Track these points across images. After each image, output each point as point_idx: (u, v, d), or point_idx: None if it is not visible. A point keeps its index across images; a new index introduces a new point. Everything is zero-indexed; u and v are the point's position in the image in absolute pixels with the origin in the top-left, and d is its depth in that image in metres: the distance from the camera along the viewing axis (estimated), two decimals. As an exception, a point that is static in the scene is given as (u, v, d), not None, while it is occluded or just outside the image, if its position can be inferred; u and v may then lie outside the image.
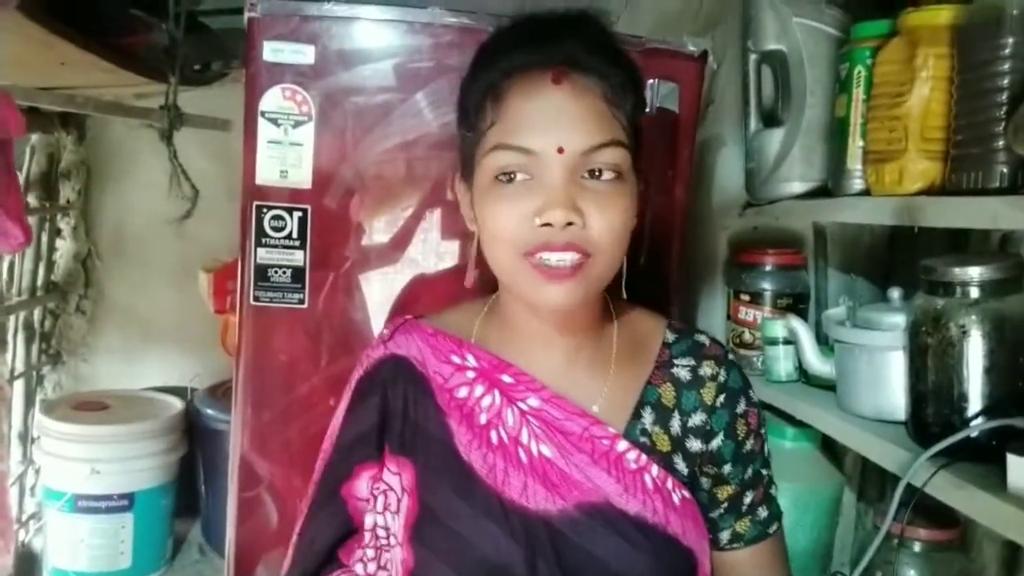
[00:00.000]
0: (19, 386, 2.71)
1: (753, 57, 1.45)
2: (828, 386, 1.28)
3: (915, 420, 1.07)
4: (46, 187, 2.74)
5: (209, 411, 2.30)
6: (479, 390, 0.87)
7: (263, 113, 1.21)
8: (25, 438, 2.69)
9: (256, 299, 1.24)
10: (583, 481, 0.83)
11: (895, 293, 1.18)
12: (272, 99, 1.20)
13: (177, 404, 2.41)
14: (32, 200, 2.67)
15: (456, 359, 0.89)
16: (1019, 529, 0.87)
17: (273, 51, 1.20)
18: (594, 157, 0.78)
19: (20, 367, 2.70)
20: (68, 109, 2.20)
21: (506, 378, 0.87)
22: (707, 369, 0.90)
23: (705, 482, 0.90)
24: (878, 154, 1.13)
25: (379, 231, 1.27)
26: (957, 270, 1.00)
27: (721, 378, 0.90)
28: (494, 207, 0.80)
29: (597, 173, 0.79)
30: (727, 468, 0.90)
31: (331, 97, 1.22)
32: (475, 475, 0.83)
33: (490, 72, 0.82)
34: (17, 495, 2.57)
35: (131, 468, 2.20)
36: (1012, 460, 0.89)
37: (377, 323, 1.27)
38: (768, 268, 1.50)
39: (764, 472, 0.93)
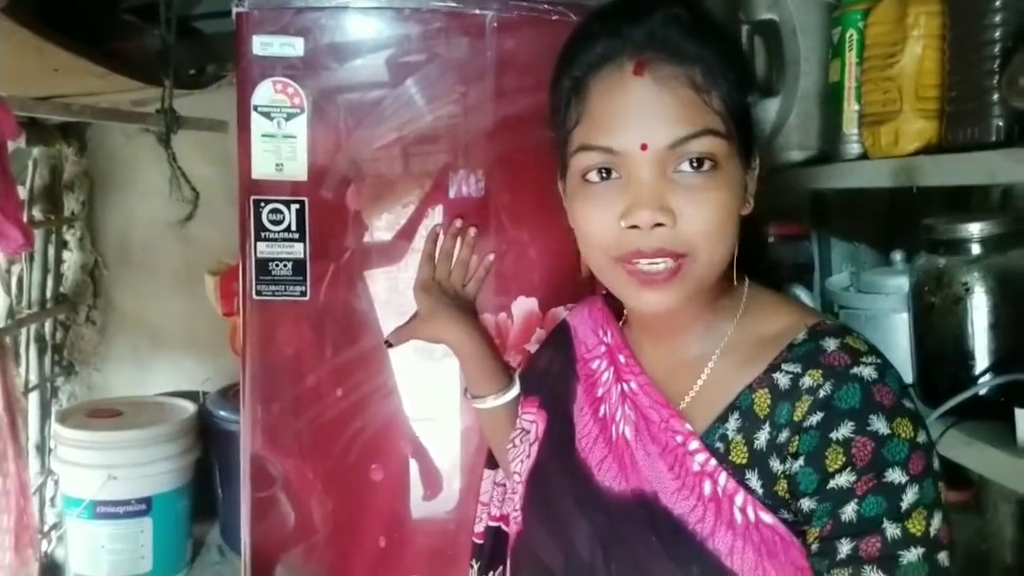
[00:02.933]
0: (34, 398, 2.73)
1: (745, 28, 1.45)
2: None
3: (923, 381, 1.07)
4: (51, 199, 2.76)
5: (222, 412, 2.31)
6: (603, 364, 0.92)
7: (255, 107, 1.21)
8: (42, 450, 2.71)
9: (259, 293, 1.24)
10: (646, 470, 0.81)
11: (897, 256, 1.18)
12: (264, 93, 1.20)
13: (190, 407, 2.43)
14: (37, 213, 2.69)
15: (600, 333, 0.94)
16: (1031, 483, 0.87)
17: (262, 45, 1.20)
18: (683, 150, 0.73)
19: (34, 379, 2.72)
20: (65, 117, 2.21)
21: (621, 358, 0.89)
22: (808, 379, 0.74)
23: (800, 518, 0.73)
24: (873, 116, 1.13)
25: (380, 228, 1.27)
26: (958, 227, 0.99)
27: (823, 393, 0.72)
28: (583, 208, 0.77)
29: (692, 165, 0.74)
30: (807, 503, 0.72)
31: (323, 89, 1.23)
32: (574, 435, 0.89)
33: (572, 67, 0.79)
34: (37, 506, 2.60)
35: (147, 472, 2.22)
36: (1021, 415, 0.89)
37: (383, 320, 1.27)
38: (770, 240, 1.49)
39: (886, 525, 0.68)
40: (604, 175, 0.76)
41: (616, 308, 0.95)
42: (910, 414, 0.72)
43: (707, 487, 0.77)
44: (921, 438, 0.72)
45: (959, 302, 0.99)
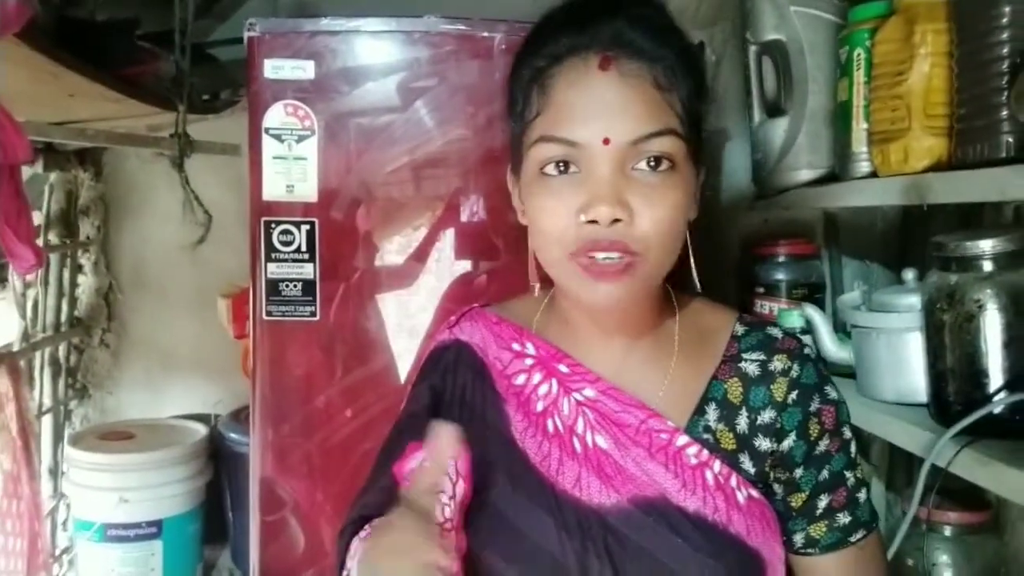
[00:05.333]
0: (47, 421, 2.74)
1: (753, 49, 1.45)
2: (848, 373, 1.27)
3: (936, 400, 1.06)
4: (66, 224, 2.79)
5: (233, 435, 2.31)
6: (536, 377, 0.85)
7: (267, 130, 1.22)
8: (55, 473, 2.71)
9: (269, 314, 1.25)
10: (639, 475, 0.79)
11: (909, 274, 1.17)
12: (275, 115, 1.22)
13: (201, 430, 2.43)
14: (53, 237, 2.72)
15: (516, 346, 0.87)
16: (1048, 503, 0.85)
17: (274, 68, 1.22)
18: (643, 147, 0.74)
19: (48, 402, 2.73)
20: (80, 142, 2.24)
21: (562, 367, 0.85)
22: (778, 363, 0.83)
23: (778, 488, 0.83)
24: (883, 134, 1.13)
25: (391, 251, 1.27)
26: (969, 244, 0.99)
27: (794, 373, 0.83)
28: (540, 202, 0.77)
29: (649, 164, 0.75)
30: (799, 472, 0.82)
31: (333, 112, 1.24)
32: (529, 463, 0.81)
33: (535, 59, 0.79)
34: (49, 530, 2.60)
35: (158, 495, 2.22)
36: (1036, 433, 0.87)
37: (393, 343, 1.28)
38: (781, 259, 1.49)
39: (847, 475, 0.84)
40: (562, 169, 0.76)
41: (520, 319, 0.90)
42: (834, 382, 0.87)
43: (708, 477, 0.80)
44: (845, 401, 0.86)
45: (972, 319, 0.98)
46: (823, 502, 0.83)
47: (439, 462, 0.69)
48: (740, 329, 0.86)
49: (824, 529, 0.83)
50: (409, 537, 0.64)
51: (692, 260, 0.83)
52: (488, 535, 0.79)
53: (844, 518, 0.83)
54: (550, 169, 0.77)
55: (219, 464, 2.41)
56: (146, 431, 2.45)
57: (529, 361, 0.86)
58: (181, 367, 2.83)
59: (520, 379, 0.86)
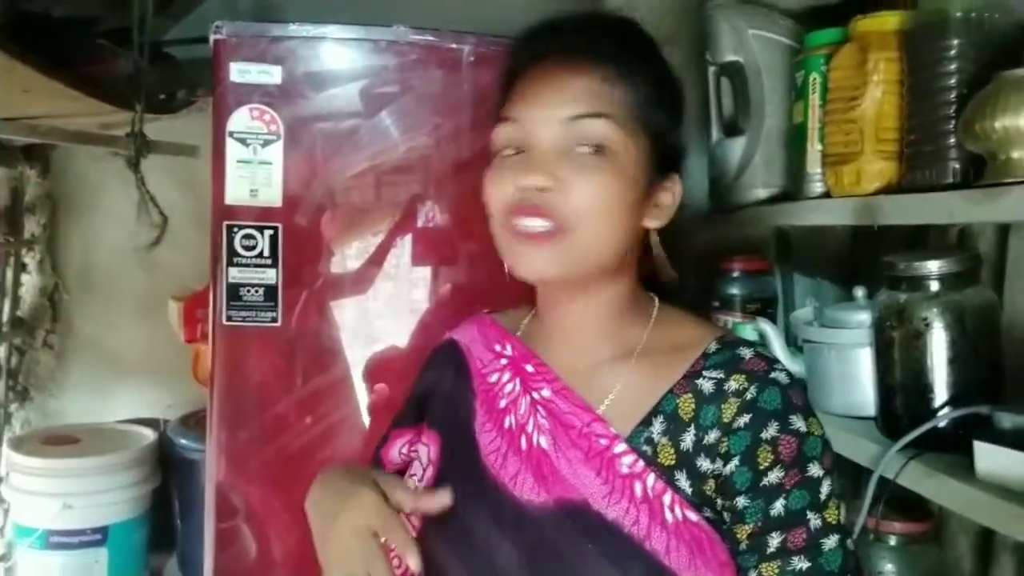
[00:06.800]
0: (-15, 424, 2.66)
1: (712, 69, 1.49)
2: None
3: (884, 414, 1.09)
4: (10, 222, 2.72)
5: (183, 441, 2.27)
6: (505, 376, 0.90)
7: (231, 133, 1.21)
8: (-7, 477, 2.63)
9: (229, 319, 1.24)
10: (569, 477, 0.81)
11: (859, 292, 1.21)
12: (240, 119, 1.21)
13: (149, 435, 2.38)
14: (-4, 234, 2.65)
15: (498, 347, 0.93)
16: (988, 514, 0.89)
17: (240, 72, 1.21)
18: (578, 128, 0.79)
19: (-14, 405, 2.65)
20: (32, 139, 2.19)
21: (528, 367, 0.88)
22: (734, 383, 0.79)
23: (726, 516, 0.79)
24: (836, 157, 1.17)
25: (351, 257, 1.28)
26: (917, 264, 1.03)
27: (749, 395, 0.78)
28: (488, 177, 0.83)
29: (588, 148, 0.79)
30: (741, 501, 0.77)
31: (298, 117, 1.24)
32: (479, 454, 0.86)
33: (512, 63, 0.86)
34: (-14, 536, 2.52)
35: (104, 501, 2.17)
36: (979, 447, 0.91)
37: (351, 351, 1.28)
38: (736, 274, 1.52)
39: (808, 515, 0.75)
40: (517, 153, 0.81)
41: (510, 324, 0.96)
42: (815, 414, 0.81)
43: (637, 489, 0.79)
44: (826, 436, 0.80)
45: (919, 337, 1.02)
46: (775, 540, 0.76)
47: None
48: (713, 346, 0.84)
49: (776, 571, 0.75)
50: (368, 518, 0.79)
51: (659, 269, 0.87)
52: (437, 518, 0.84)
53: (801, 563, 0.74)
54: (507, 152, 0.82)
55: (167, 470, 2.36)
56: (91, 435, 2.39)
57: (504, 361, 0.91)
58: (129, 371, 2.77)
59: (493, 377, 0.91)
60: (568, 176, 0.78)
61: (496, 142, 0.84)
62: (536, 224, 0.78)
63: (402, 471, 0.94)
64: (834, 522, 0.77)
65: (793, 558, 0.75)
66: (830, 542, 0.76)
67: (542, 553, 0.80)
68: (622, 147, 0.81)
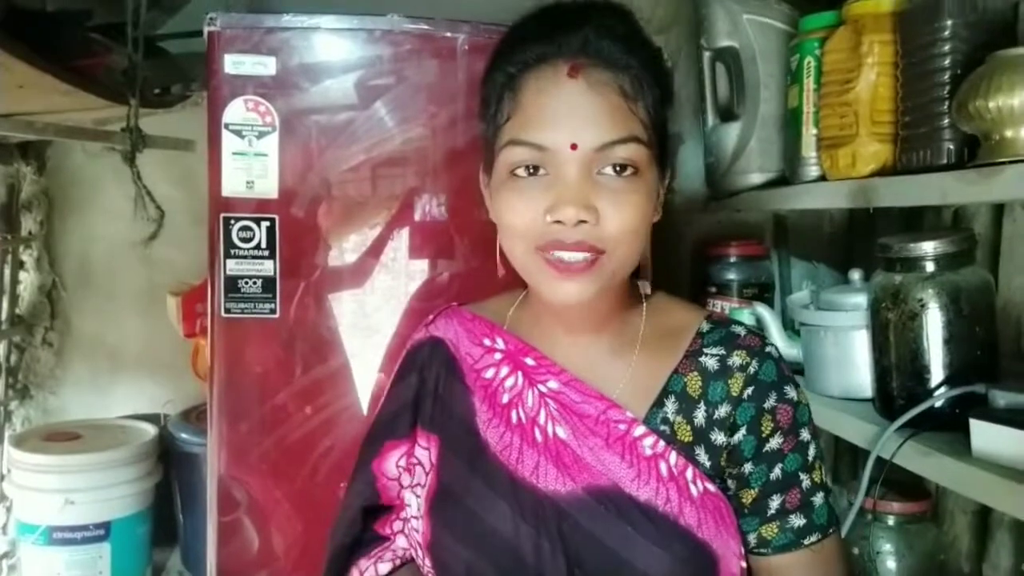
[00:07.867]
0: (-14, 422, 2.66)
1: (707, 55, 1.49)
2: (796, 370, 1.30)
3: (881, 395, 1.10)
4: (7, 219, 2.71)
5: (183, 435, 2.27)
6: (504, 371, 0.89)
7: (227, 125, 1.21)
8: (-6, 475, 2.63)
9: (227, 311, 1.24)
10: (594, 464, 0.82)
11: (855, 274, 1.22)
12: (235, 111, 1.21)
13: (150, 430, 2.38)
14: (-8, 233, 2.64)
15: (487, 342, 0.91)
16: (985, 491, 0.90)
17: (234, 63, 1.21)
18: (609, 153, 0.77)
19: (-14, 403, 2.65)
20: (28, 135, 2.18)
21: (529, 361, 0.88)
22: (736, 359, 0.84)
23: (732, 484, 0.84)
24: (831, 140, 1.17)
25: (348, 250, 1.27)
26: (912, 245, 1.03)
27: (751, 369, 0.83)
28: (509, 201, 0.80)
29: (614, 169, 0.78)
30: (748, 467, 0.83)
31: (294, 108, 1.24)
32: (489, 451, 0.85)
33: (507, 64, 0.82)
34: (-11, 533, 2.52)
35: (106, 496, 2.17)
36: (975, 425, 0.92)
37: (349, 341, 1.28)
38: (732, 260, 1.53)
39: (801, 476, 0.83)
40: (532, 171, 0.79)
41: (494, 316, 0.94)
42: (800, 385, 0.88)
43: (663, 468, 0.82)
44: (809, 404, 0.87)
45: (915, 318, 1.03)
46: (775, 502, 0.83)
47: None
48: (706, 326, 0.88)
49: (776, 530, 0.83)
50: None
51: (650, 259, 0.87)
52: (445, 518, 0.84)
53: (797, 520, 0.83)
54: (520, 171, 0.80)
55: (169, 465, 2.36)
56: (93, 431, 2.39)
57: (498, 356, 0.90)
58: (129, 367, 2.77)
59: (489, 373, 0.89)
60: (603, 207, 0.77)
61: (509, 163, 0.80)
62: (577, 258, 0.77)
63: (399, 483, 0.92)
64: (819, 481, 0.85)
65: (790, 516, 0.83)
66: (818, 499, 0.84)
67: (579, 541, 0.81)
68: (647, 163, 0.80)
